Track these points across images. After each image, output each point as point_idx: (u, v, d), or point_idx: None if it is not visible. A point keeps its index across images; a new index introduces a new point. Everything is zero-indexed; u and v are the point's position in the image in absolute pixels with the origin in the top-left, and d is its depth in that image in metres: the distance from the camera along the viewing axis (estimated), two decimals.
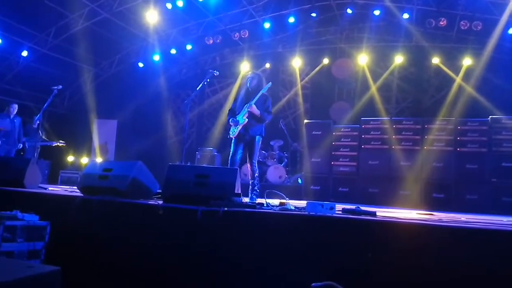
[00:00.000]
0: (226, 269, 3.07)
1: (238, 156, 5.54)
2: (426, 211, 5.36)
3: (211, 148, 10.71)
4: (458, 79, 9.89)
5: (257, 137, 5.51)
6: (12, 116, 8.03)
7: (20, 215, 3.39)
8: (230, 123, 5.56)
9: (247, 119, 5.41)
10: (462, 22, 9.17)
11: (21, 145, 8.07)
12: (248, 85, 5.64)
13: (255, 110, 5.36)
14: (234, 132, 5.49)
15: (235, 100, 5.80)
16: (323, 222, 2.99)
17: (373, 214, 3.29)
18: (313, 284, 0.49)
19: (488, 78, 9.26)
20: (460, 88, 9.82)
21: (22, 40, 10.10)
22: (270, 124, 11.24)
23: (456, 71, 9.98)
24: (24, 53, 10.36)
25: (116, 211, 3.61)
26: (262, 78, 5.69)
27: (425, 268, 2.59)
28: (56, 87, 6.87)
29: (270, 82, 5.67)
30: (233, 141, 5.55)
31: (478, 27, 8.99)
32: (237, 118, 5.46)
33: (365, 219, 2.99)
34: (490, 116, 7.51)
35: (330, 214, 3.15)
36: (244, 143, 5.53)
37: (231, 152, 5.56)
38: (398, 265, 2.63)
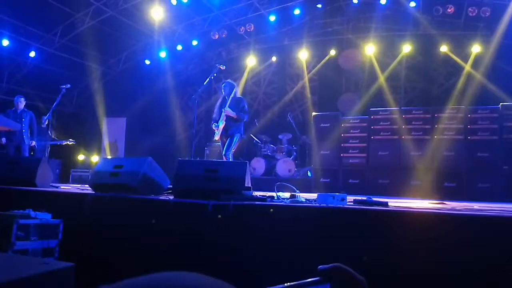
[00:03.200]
0: (238, 262, 3.07)
1: (228, 154, 6.37)
2: (438, 200, 5.31)
3: (220, 144, 10.71)
4: (467, 67, 9.77)
5: (236, 135, 6.39)
6: (19, 111, 8.00)
7: (33, 213, 3.41)
8: (213, 128, 6.48)
9: (225, 122, 6.28)
10: (470, 9, 9.05)
11: (33, 142, 8.04)
12: (223, 92, 6.55)
13: (230, 112, 6.26)
14: (217, 135, 6.43)
15: (216, 107, 6.68)
16: (334, 213, 2.98)
17: (385, 204, 3.27)
18: (319, 266, 0.49)
19: (497, 65, 9.13)
20: (469, 76, 9.70)
21: (29, 41, 10.17)
22: (277, 118, 11.39)
23: (465, 58, 9.85)
24: (32, 54, 10.43)
25: (128, 207, 3.62)
26: (234, 85, 6.61)
27: (439, 257, 2.57)
28: (64, 86, 6.91)
29: (237, 87, 6.65)
30: (220, 143, 6.56)
31: (487, 13, 8.87)
32: (218, 123, 6.37)
33: (377, 209, 2.97)
34: (500, 103, 7.41)
35: (341, 205, 3.13)
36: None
37: (223, 153, 6.43)
38: (412, 255, 2.61)
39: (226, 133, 6.35)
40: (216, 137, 6.45)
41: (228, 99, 6.38)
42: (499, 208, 3.66)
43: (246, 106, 6.51)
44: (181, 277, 0.41)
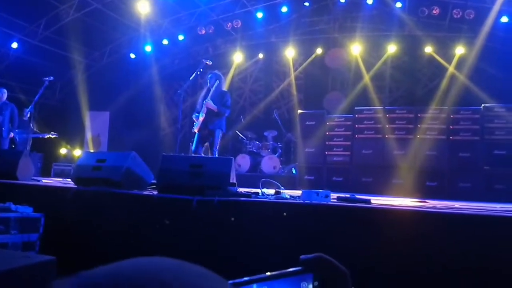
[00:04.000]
0: (222, 257, 3.07)
1: (201, 150, 6.22)
2: (419, 199, 5.39)
3: (196, 135, 10.68)
4: (451, 68, 9.91)
5: (217, 130, 6.15)
6: (0, 103, 7.79)
7: (13, 207, 3.37)
8: (193, 119, 6.23)
9: (205, 115, 6.03)
10: (454, 11, 9.18)
11: (12, 134, 7.83)
12: (208, 84, 6.27)
13: (211, 105, 6.01)
14: (196, 126, 6.15)
15: (200, 98, 6.42)
16: (318, 210, 3.00)
17: (368, 201, 3.31)
18: (301, 256, 0.49)
19: (480, 67, 9.28)
20: (452, 77, 9.85)
21: (12, 31, 9.97)
22: (263, 115, 11.40)
23: (449, 60, 10.00)
24: (14, 45, 10.23)
25: (110, 202, 3.59)
26: (220, 77, 6.40)
27: (419, 253, 2.61)
28: (47, 78, 6.79)
29: (218, 81, 6.35)
30: (196, 135, 6.22)
31: (471, 15, 9.01)
32: (199, 115, 6.11)
33: (360, 206, 3.01)
34: (482, 105, 7.55)
35: (325, 202, 3.16)
36: (204, 137, 6.21)
37: (193, 146, 6.20)
38: (393, 251, 2.65)
39: (205, 126, 6.10)
40: (195, 129, 6.16)
41: (214, 91, 6.15)
42: (479, 207, 3.73)
43: (229, 101, 6.27)
44: (161, 262, 0.41)
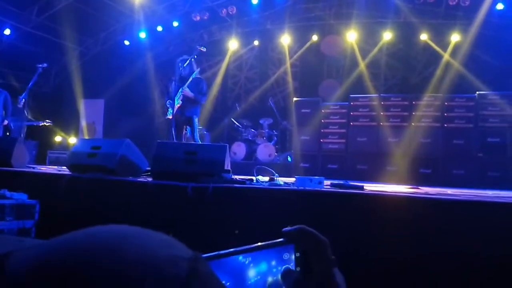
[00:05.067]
0: (216, 245, 3.10)
1: (182, 137, 6.26)
2: (413, 186, 5.43)
3: (200, 127, 10.66)
4: (446, 56, 9.90)
5: (194, 116, 6.19)
6: None
7: (8, 193, 3.38)
8: (167, 105, 6.19)
9: (181, 102, 6.03)
10: None
11: (6, 122, 7.81)
12: (180, 68, 6.14)
13: (188, 93, 6.01)
14: (170, 113, 6.07)
15: (171, 82, 6.27)
16: (312, 196, 3.03)
17: (361, 188, 3.34)
18: (284, 229, 0.50)
19: (475, 54, 9.29)
20: (447, 64, 9.85)
21: (4, 18, 9.85)
22: (259, 103, 11.39)
23: (444, 47, 9.99)
24: (7, 32, 10.11)
25: (105, 189, 3.61)
26: (193, 62, 6.25)
27: (411, 239, 2.65)
28: (41, 65, 6.75)
29: (199, 68, 6.40)
30: (172, 123, 6.09)
31: (466, 2, 8.98)
32: (172, 101, 6.03)
33: (353, 193, 3.04)
34: (477, 92, 7.57)
35: (318, 188, 3.18)
36: (181, 124, 6.21)
37: (174, 135, 6.10)
38: (386, 237, 2.69)
39: (181, 113, 6.11)
40: (170, 116, 6.12)
41: (188, 77, 6.14)
42: (470, 194, 3.77)
43: (205, 88, 6.33)
44: (120, 230, 0.42)
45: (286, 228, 0.55)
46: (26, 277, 0.36)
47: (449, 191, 4.36)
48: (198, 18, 10.82)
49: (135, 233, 0.42)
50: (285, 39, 11.26)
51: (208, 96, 6.68)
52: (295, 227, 0.55)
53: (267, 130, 9.92)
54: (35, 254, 0.38)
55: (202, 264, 0.41)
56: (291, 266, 0.53)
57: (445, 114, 7.58)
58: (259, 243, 0.53)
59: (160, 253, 0.39)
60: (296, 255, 0.53)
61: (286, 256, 0.53)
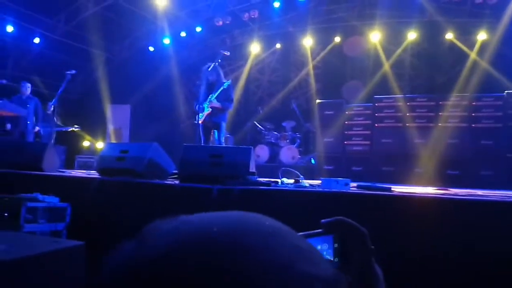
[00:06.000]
0: None
1: (209, 141, 6.38)
2: (441, 187, 5.34)
3: (200, 127, 10.74)
4: (473, 54, 9.69)
5: (222, 122, 6.30)
6: (24, 97, 7.99)
7: (40, 197, 3.47)
8: (196, 110, 6.29)
9: (210, 109, 6.14)
10: None
11: (37, 128, 8.04)
12: (208, 77, 6.26)
13: (215, 104, 6.11)
14: (201, 118, 6.22)
15: (198, 87, 6.44)
16: (338, 198, 3.01)
17: (388, 189, 3.30)
18: (322, 220, 0.51)
19: (503, 52, 9.06)
20: (474, 63, 9.64)
21: (33, 27, 10.17)
22: (281, 105, 11.40)
23: (471, 46, 9.78)
24: (36, 40, 10.43)
25: (133, 192, 3.67)
26: (219, 69, 6.36)
27: (441, 241, 2.60)
28: (69, 72, 6.93)
29: (230, 80, 6.39)
30: (200, 128, 6.31)
31: (493, 0, 8.78)
32: (203, 106, 6.18)
33: (380, 194, 3.00)
34: (505, 91, 7.39)
35: (345, 190, 3.16)
36: (209, 129, 6.36)
37: (202, 140, 6.33)
38: (414, 239, 2.65)
39: (210, 119, 6.24)
40: (200, 121, 6.27)
41: (216, 85, 6.20)
42: (502, 194, 3.68)
43: (232, 95, 6.42)
44: (247, 222, 0.42)
45: (324, 220, 0.56)
46: (166, 248, 0.38)
47: (479, 192, 4.27)
48: (220, 23, 10.91)
49: (274, 229, 0.40)
50: (307, 41, 11.24)
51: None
52: (333, 218, 0.56)
53: (290, 133, 9.91)
54: (175, 230, 0.40)
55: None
56: (329, 256, 0.54)
57: (473, 114, 7.42)
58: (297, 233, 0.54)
59: (295, 266, 0.35)
60: (335, 246, 0.54)
61: (324, 246, 0.54)
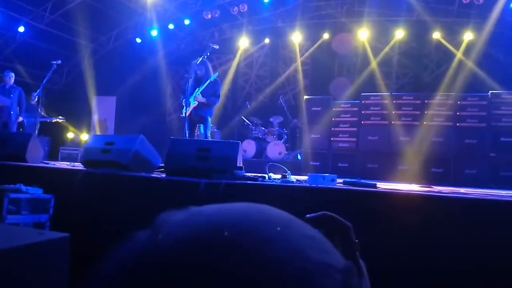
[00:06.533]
0: None
1: (194, 135, 6.40)
2: (425, 185, 5.40)
3: (211, 125, 10.72)
4: (459, 54, 9.82)
5: (207, 117, 6.32)
6: (8, 87, 7.84)
7: (24, 188, 3.42)
8: (182, 104, 6.27)
9: (197, 102, 6.15)
10: None
11: (21, 118, 7.90)
12: (197, 71, 6.24)
13: (200, 99, 6.12)
14: (187, 111, 6.18)
15: (186, 80, 6.32)
16: (324, 193, 3.03)
17: (374, 186, 3.33)
18: (307, 215, 0.51)
19: (489, 53, 9.20)
20: (460, 63, 9.76)
21: (18, 15, 9.97)
22: (269, 101, 11.39)
23: (457, 46, 9.90)
24: (21, 29, 10.23)
25: (119, 184, 3.64)
26: (208, 63, 6.34)
27: (424, 237, 2.64)
28: (55, 62, 6.82)
29: (217, 73, 6.43)
30: (186, 121, 6.29)
31: (480, 0, 8.89)
32: (189, 100, 6.16)
33: (366, 190, 3.03)
34: (490, 91, 7.50)
35: (331, 186, 3.18)
36: (195, 122, 6.36)
37: (187, 133, 6.33)
38: (398, 235, 2.68)
39: (196, 112, 6.24)
40: (185, 114, 6.23)
41: (204, 80, 6.18)
42: (484, 193, 3.75)
43: (219, 90, 6.41)
44: (264, 212, 0.41)
45: (310, 215, 0.57)
46: (175, 241, 0.38)
47: (462, 190, 4.33)
48: (209, 16, 10.85)
49: (286, 220, 0.40)
50: (296, 37, 11.24)
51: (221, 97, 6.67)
52: (319, 213, 0.56)
53: (277, 128, 9.92)
54: (187, 222, 0.40)
55: (355, 277, 0.38)
56: None
57: (458, 113, 7.51)
58: None
59: (313, 256, 0.37)
60: None
61: None
